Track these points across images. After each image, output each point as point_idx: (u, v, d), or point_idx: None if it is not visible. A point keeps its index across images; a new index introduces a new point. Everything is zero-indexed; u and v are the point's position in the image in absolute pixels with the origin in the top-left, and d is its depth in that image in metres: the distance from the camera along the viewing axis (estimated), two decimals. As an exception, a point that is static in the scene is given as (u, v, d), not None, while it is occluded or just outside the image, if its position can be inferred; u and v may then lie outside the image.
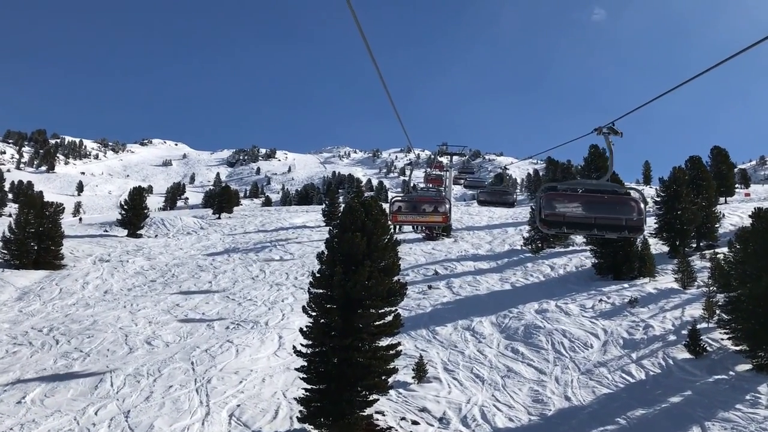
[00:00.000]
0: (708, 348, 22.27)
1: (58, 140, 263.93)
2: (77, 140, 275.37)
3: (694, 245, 38.53)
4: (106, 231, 59.38)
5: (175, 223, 62.00)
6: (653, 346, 23.80)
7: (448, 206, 17.65)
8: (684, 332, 24.29)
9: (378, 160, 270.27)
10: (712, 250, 34.96)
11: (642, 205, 9.88)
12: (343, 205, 22.38)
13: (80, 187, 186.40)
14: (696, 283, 30.19)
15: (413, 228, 59.00)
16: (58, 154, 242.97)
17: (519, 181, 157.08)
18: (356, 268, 18.12)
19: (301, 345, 18.30)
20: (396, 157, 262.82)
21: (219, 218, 67.95)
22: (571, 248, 43.42)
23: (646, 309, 27.81)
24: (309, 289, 18.89)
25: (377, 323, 18.63)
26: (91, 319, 29.39)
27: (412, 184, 21.16)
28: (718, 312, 23.91)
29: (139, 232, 57.12)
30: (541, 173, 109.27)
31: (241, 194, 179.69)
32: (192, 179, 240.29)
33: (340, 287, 17.88)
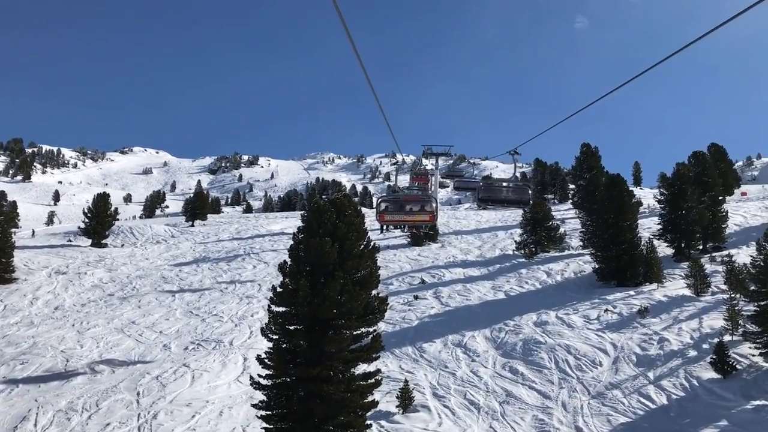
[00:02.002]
0: (737, 366, 19.26)
1: (35, 149, 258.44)
2: (55, 149, 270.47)
3: (700, 247, 35.70)
4: (70, 240, 55.51)
5: (145, 231, 58.20)
6: (672, 363, 20.77)
7: (434, 205, 17.50)
8: (705, 346, 21.36)
9: (362, 165, 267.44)
10: (727, 252, 32.13)
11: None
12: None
13: (56, 197, 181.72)
14: (710, 289, 27.29)
15: (400, 228, 56.04)
16: (35, 164, 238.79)
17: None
18: (326, 281, 14.90)
19: (260, 376, 15.01)
20: (380, 162, 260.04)
21: (192, 226, 64.27)
22: (567, 252, 40.49)
23: (657, 319, 24.82)
24: (269, 306, 15.63)
25: (352, 347, 15.42)
26: (30, 341, 25.82)
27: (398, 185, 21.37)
28: (742, 323, 21.02)
29: (104, 241, 53.30)
30: (528, 175, 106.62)
31: (223, 201, 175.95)
32: (173, 187, 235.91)
33: (306, 304, 14.64)
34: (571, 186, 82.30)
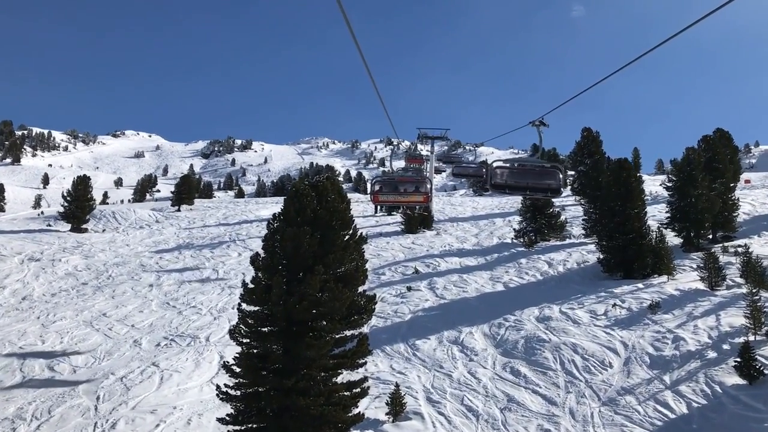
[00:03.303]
0: (765, 371, 17.32)
1: (25, 132, 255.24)
2: (45, 132, 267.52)
3: (710, 237, 33.76)
4: (50, 225, 53.16)
5: (128, 216, 55.85)
6: (689, 366, 18.84)
7: (429, 186, 17.87)
8: (725, 347, 19.45)
9: (357, 150, 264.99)
10: (738, 243, 30.23)
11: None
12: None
13: (46, 180, 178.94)
14: (725, 282, 25.39)
15: (396, 209, 54.17)
16: (25, 146, 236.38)
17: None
18: (304, 277, 12.85)
19: (227, 386, 12.97)
20: (375, 147, 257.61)
21: (179, 210, 61.96)
22: (568, 241, 38.54)
23: (670, 316, 22.88)
24: (239, 305, 13.57)
25: (335, 352, 13.41)
26: (-12, 336, 23.72)
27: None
28: (765, 321, 19.14)
29: (85, 226, 50.97)
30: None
31: (215, 186, 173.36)
32: (165, 171, 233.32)
33: (280, 304, 12.59)
34: (570, 172, 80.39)
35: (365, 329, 14.91)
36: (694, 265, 29.33)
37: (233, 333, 13.11)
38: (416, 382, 19.64)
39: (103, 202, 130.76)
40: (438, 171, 73.75)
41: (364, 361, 13.75)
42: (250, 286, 13.20)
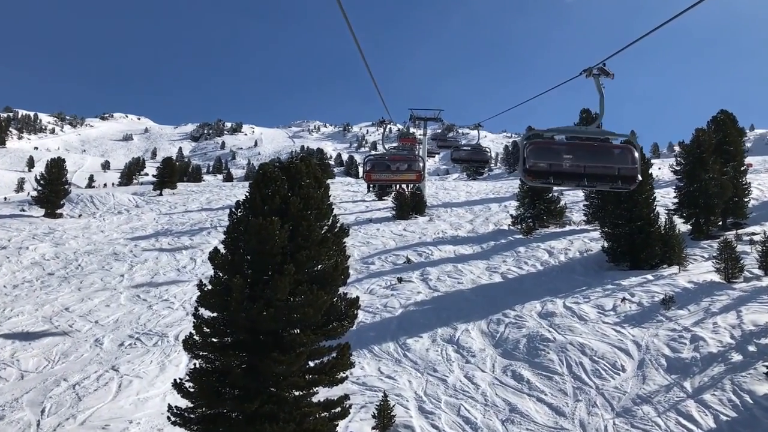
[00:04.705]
0: (801, 379, 15.36)
1: (11, 114, 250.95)
2: (32, 114, 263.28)
3: (720, 223, 31.75)
4: (24, 210, 50.54)
5: (107, 200, 53.26)
6: (712, 370, 16.86)
7: (421, 164, 18.54)
8: (751, 348, 17.49)
9: (349, 134, 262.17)
10: (755, 230, 28.24)
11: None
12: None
13: (31, 163, 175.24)
14: (743, 274, 23.42)
15: (387, 194, 52.08)
16: (10, 129, 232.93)
17: (494, 155, 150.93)
18: (272, 277, 10.65)
19: (179, 409, 10.80)
20: (367, 131, 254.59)
21: (160, 195, 59.41)
22: (569, 228, 36.47)
23: (685, 311, 20.89)
24: (196, 309, 11.37)
25: (310, 365, 11.26)
26: (-67, 335, 21.39)
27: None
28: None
29: (60, 211, 48.39)
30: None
31: (204, 170, 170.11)
32: (153, 154, 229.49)
33: (242, 310, 10.40)
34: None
35: (358, 317, 12.75)
36: (706, 255, 27.40)
37: (187, 344, 10.92)
38: (407, 388, 17.58)
39: (89, 185, 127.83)
40: (431, 154, 71.47)
41: (345, 375, 11.61)
42: (207, 287, 10.97)
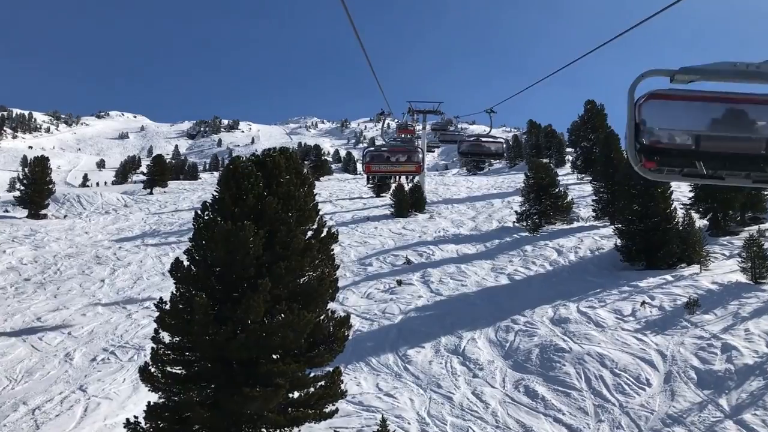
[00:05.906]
0: None
1: (5, 113, 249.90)
2: (26, 113, 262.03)
3: (738, 218, 29.91)
4: (7, 211, 48.62)
5: (94, 200, 51.32)
6: (750, 385, 14.99)
7: (421, 156, 18.40)
8: (792, 360, 15.62)
9: (346, 130, 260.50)
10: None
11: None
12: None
13: (25, 162, 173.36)
14: (772, 274, 21.53)
15: (386, 190, 50.34)
16: (4, 128, 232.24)
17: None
18: (243, 294, 8.77)
19: (131, 454, 8.92)
20: (365, 127, 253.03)
21: (151, 193, 57.49)
22: (576, 225, 34.63)
23: (712, 316, 19.03)
24: (156, 332, 9.51)
25: (292, 399, 9.40)
26: None
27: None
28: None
29: (44, 211, 46.46)
30: (523, 139, 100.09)
31: (201, 167, 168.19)
32: (150, 152, 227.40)
33: (207, 334, 8.52)
34: (569, 149, 76.37)
35: (355, 325, 10.86)
36: (727, 252, 25.59)
37: (144, 374, 9.05)
38: (408, 408, 15.72)
39: (83, 184, 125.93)
40: (430, 148, 69.47)
41: (335, 408, 9.75)
42: (166, 307, 9.10)
